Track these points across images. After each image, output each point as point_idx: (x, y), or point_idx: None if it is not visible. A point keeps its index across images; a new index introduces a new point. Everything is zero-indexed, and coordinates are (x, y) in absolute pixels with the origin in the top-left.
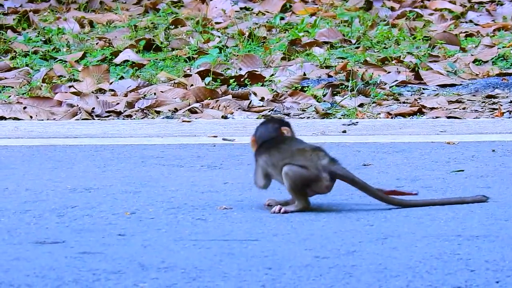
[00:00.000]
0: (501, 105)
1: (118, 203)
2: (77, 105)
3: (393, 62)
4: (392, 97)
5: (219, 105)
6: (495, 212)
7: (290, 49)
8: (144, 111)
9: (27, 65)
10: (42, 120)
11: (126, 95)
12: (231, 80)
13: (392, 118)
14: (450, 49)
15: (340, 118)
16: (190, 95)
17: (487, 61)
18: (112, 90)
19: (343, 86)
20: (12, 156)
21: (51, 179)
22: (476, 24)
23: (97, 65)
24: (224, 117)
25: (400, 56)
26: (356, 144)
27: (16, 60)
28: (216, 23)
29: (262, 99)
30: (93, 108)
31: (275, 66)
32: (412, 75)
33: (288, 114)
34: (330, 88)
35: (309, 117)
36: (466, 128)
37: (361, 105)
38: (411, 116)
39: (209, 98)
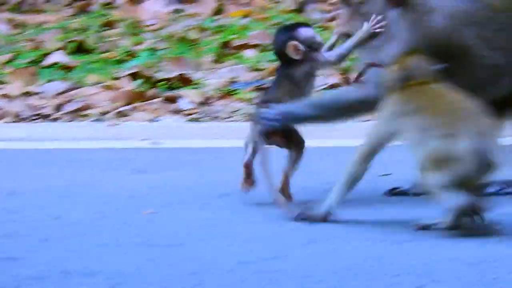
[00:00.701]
0: None
1: (43, 207)
2: (3, 108)
3: None
4: None
5: (148, 108)
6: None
7: (221, 51)
8: (73, 114)
9: None
10: None
11: (54, 98)
12: (161, 83)
13: None
14: None
15: None
16: (119, 98)
17: None
18: (40, 93)
19: None
20: None
21: None
22: None
23: (26, 67)
24: (153, 121)
25: None
26: None
27: None
28: (148, 25)
29: (191, 102)
30: (20, 111)
31: (206, 68)
32: (343, 78)
33: (217, 117)
34: (260, 91)
35: (238, 120)
36: None
37: None
38: None
39: (138, 101)
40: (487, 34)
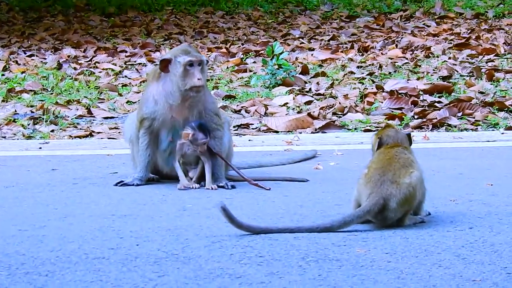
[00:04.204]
0: None
1: None
2: None
3: (74, 103)
4: (73, 125)
5: None
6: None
7: (8, 95)
8: None
9: None
10: None
11: None
12: None
13: (72, 139)
14: (111, 95)
15: (39, 139)
16: None
17: (135, 102)
18: None
19: (41, 118)
20: None
21: None
22: (129, 78)
23: None
24: None
25: (79, 99)
26: (48, 156)
27: None
28: None
29: None
30: None
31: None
32: (86, 110)
33: (4, 137)
34: (32, 120)
35: (18, 139)
36: (120, 144)
37: (52, 130)
38: (85, 138)
39: None
40: None
